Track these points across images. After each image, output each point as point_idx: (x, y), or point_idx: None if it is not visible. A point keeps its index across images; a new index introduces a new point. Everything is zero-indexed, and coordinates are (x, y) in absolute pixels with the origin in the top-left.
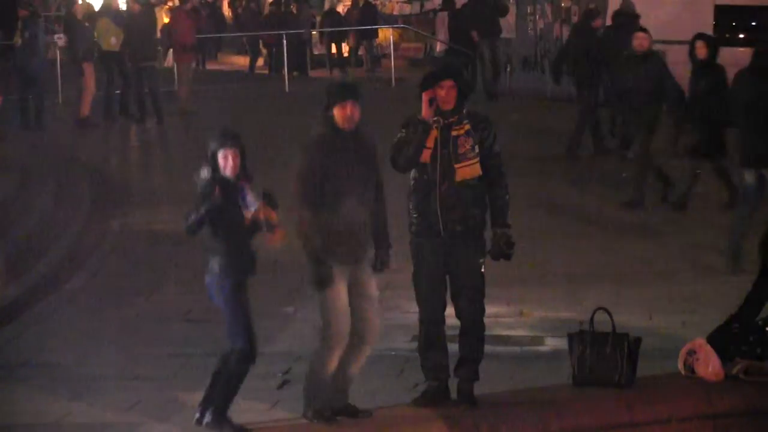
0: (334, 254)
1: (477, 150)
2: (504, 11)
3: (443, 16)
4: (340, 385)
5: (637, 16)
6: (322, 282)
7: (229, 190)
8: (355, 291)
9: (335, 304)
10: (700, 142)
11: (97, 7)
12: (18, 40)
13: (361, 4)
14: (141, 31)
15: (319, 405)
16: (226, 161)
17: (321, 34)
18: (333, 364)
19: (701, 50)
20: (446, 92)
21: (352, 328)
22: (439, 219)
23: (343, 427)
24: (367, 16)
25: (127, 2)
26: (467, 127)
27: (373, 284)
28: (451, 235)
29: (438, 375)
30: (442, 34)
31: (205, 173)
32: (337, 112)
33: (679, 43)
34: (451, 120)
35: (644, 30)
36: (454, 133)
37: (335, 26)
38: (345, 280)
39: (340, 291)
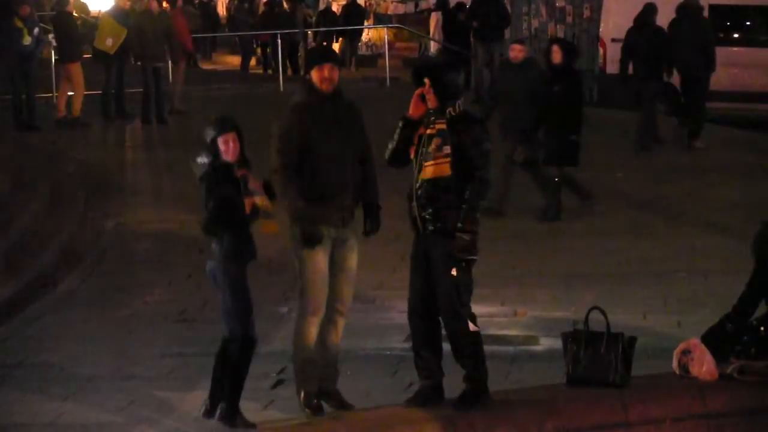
0: (320, 216)
1: (446, 151)
2: (508, 20)
3: (437, 15)
4: (326, 359)
5: (701, 8)
6: (312, 238)
7: (232, 175)
8: (335, 264)
9: (314, 274)
10: (549, 148)
11: (104, 8)
12: (28, 39)
13: (346, 3)
14: (155, 32)
15: (310, 387)
16: (227, 146)
17: (315, 34)
18: (312, 335)
19: (556, 55)
20: (426, 90)
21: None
22: (416, 216)
23: (338, 427)
24: (353, 15)
25: (139, 2)
26: (440, 126)
27: (354, 258)
28: (428, 234)
29: (429, 374)
30: (437, 34)
31: (203, 159)
32: (315, 74)
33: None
34: (432, 118)
35: (521, 42)
36: (428, 131)
37: (330, 25)
38: (328, 249)
39: (320, 261)
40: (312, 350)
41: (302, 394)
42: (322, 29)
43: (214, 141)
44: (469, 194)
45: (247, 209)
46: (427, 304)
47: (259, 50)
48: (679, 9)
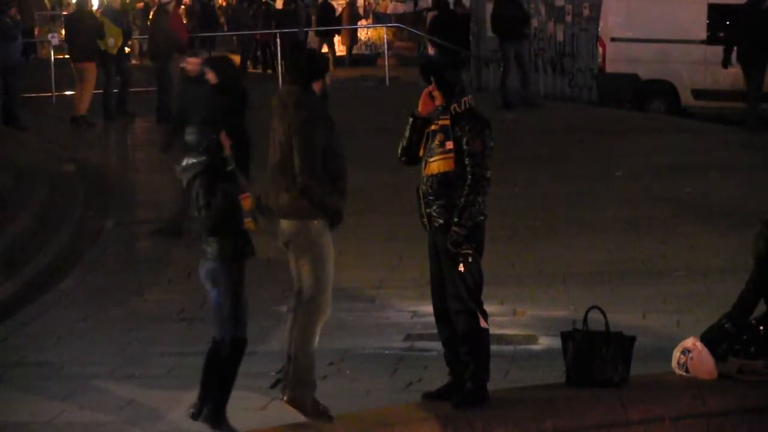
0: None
1: (448, 146)
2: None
3: (431, 16)
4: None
5: None
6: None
7: (233, 172)
8: None
9: (331, 267)
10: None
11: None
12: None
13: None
14: (164, 32)
15: (314, 391)
16: (225, 142)
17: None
18: (318, 334)
19: (193, 66)
20: (432, 88)
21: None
22: (423, 212)
23: (337, 427)
24: (324, 16)
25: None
26: (443, 122)
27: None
28: (435, 230)
29: (451, 372)
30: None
31: (192, 160)
32: (321, 81)
33: (675, 42)
34: (438, 115)
35: (196, 55)
36: (432, 128)
37: (327, 22)
38: None
39: (332, 255)
40: (315, 351)
41: (310, 401)
42: (321, 28)
43: (217, 137)
44: (465, 190)
45: (246, 205)
46: (443, 299)
47: (258, 51)
48: None
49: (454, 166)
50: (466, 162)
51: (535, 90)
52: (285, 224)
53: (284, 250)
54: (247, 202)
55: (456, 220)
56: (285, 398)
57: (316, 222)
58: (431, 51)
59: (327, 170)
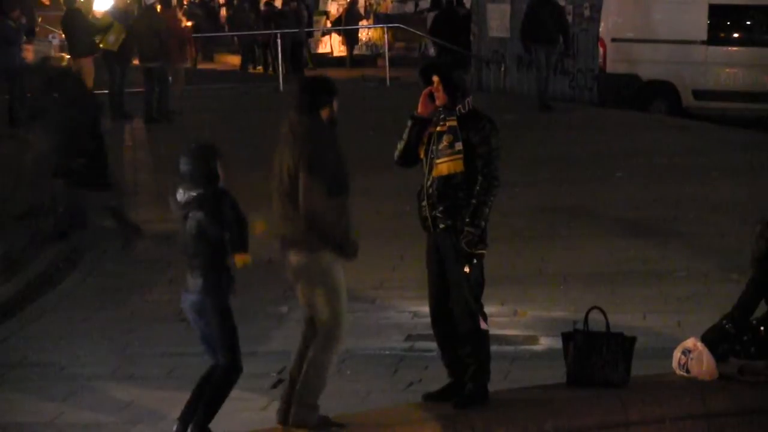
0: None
1: (458, 147)
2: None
3: (431, 16)
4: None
5: None
6: (355, 249)
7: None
8: None
9: (344, 302)
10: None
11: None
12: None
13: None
14: (151, 32)
15: (315, 416)
16: (222, 171)
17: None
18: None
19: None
20: (435, 88)
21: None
22: (427, 215)
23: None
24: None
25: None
26: (451, 123)
27: None
28: (439, 232)
29: (451, 373)
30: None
31: (191, 193)
32: (329, 108)
33: (675, 42)
34: (441, 116)
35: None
36: (438, 129)
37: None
38: None
39: (345, 288)
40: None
41: (315, 421)
42: (324, 28)
43: (214, 167)
44: (477, 191)
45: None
46: (445, 302)
47: (258, 50)
48: None
49: (463, 167)
50: (478, 163)
51: (535, 89)
52: (294, 257)
53: (292, 282)
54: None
55: (468, 220)
56: (291, 421)
57: (328, 253)
58: (432, 51)
59: (335, 202)
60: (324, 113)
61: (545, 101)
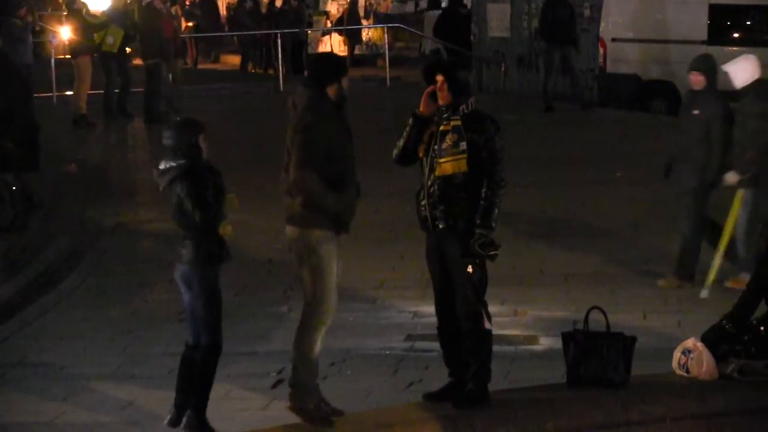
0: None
1: (463, 147)
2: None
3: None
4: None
5: None
6: (347, 226)
7: (213, 174)
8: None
9: (332, 282)
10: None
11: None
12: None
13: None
14: (154, 31)
15: (317, 397)
16: (203, 145)
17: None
18: (319, 343)
19: None
20: (439, 87)
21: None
22: (427, 214)
23: (337, 427)
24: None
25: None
26: (455, 123)
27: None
28: (440, 231)
29: (452, 372)
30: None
31: (170, 163)
32: (337, 86)
33: (675, 42)
34: (445, 115)
35: None
36: (442, 128)
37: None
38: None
39: (335, 266)
40: (316, 359)
41: (312, 406)
42: (326, 28)
43: (196, 141)
44: (485, 192)
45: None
46: (449, 301)
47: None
48: None
49: (466, 167)
50: (482, 164)
51: (535, 89)
52: (288, 230)
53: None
54: (235, 201)
55: (479, 222)
56: (290, 405)
57: (317, 231)
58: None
59: (329, 172)
60: (331, 90)
61: (549, 102)
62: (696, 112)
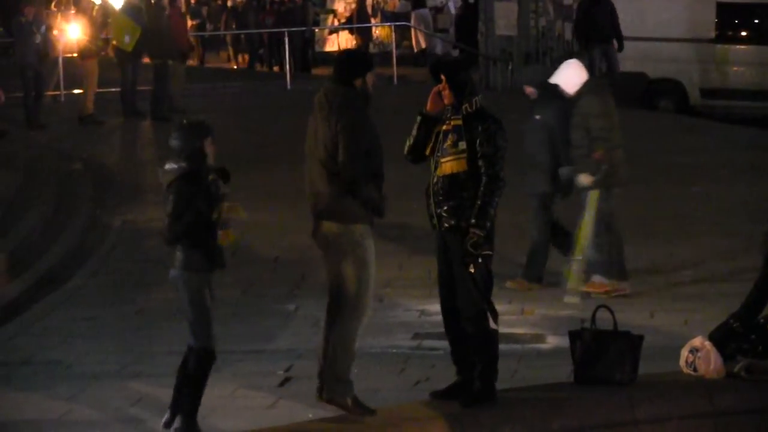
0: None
1: (462, 146)
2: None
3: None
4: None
5: None
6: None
7: (212, 181)
8: None
9: (372, 276)
10: None
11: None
12: (38, 37)
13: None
14: (163, 29)
15: (353, 391)
16: (210, 149)
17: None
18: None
19: None
20: (442, 87)
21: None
22: (434, 212)
23: (345, 425)
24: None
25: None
26: (456, 122)
27: None
28: (445, 230)
29: (459, 370)
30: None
31: (172, 165)
32: (369, 78)
33: (682, 40)
34: (448, 115)
35: None
36: (444, 127)
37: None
38: None
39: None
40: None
41: (351, 399)
42: (332, 26)
43: (201, 146)
44: (482, 191)
45: (225, 213)
46: (454, 300)
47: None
48: None
49: (466, 166)
50: (480, 163)
51: None
52: (327, 226)
53: (318, 249)
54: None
55: (474, 221)
56: (324, 398)
57: (359, 226)
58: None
59: (370, 166)
60: (357, 83)
61: None
62: (537, 117)
